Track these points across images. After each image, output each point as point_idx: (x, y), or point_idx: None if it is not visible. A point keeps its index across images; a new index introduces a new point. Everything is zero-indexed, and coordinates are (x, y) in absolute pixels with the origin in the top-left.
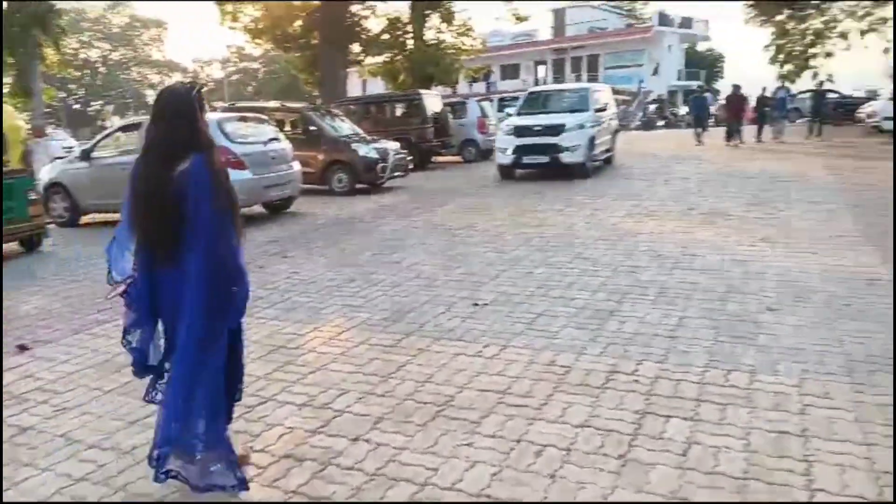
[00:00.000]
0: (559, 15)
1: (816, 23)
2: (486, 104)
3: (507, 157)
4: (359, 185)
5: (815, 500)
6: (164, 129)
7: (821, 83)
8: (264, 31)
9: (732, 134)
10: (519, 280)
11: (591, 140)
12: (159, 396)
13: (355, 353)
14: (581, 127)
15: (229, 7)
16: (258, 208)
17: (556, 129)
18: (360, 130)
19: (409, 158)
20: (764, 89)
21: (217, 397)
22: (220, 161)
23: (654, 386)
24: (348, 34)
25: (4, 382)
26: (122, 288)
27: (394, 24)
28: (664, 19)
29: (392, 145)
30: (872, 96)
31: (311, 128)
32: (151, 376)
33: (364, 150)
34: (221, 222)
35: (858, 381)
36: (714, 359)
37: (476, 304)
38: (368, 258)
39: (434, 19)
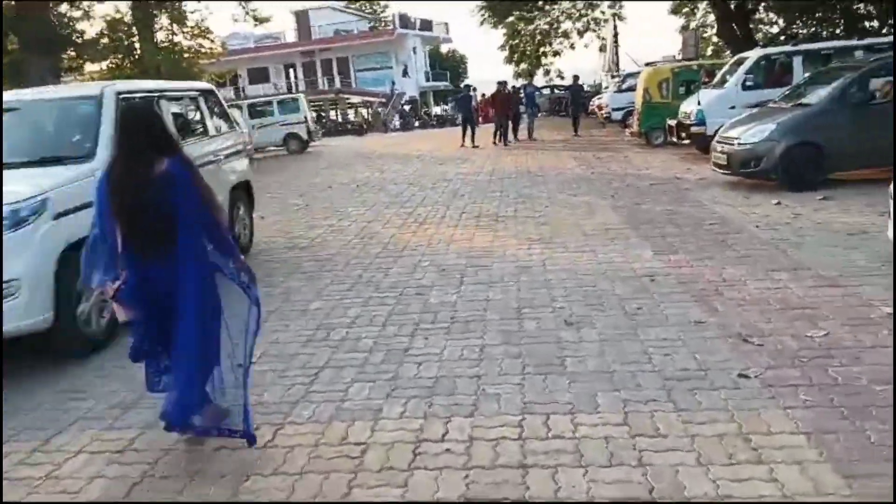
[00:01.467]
0: (302, 17)
1: (542, 24)
2: (234, 111)
3: None
4: None
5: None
6: (136, 137)
7: (576, 77)
8: None
9: (500, 132)
10: (291, 322)
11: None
12: (161, 385)
13: (67, 486)
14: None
15: None
16: None
17: None
18: None
19: None
20: (515, 88)
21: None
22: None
23: (470, 454)
24: (56, 38)
25: None
26: (108, 291)
27: (114, 26)
28: (405, 21)
29: None
30: (598, 90)
31: None
32: (148, 368)
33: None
34: (207, 210)
35: (682, 406)
36: (528, 400)
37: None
38: None
39: (164, 20)
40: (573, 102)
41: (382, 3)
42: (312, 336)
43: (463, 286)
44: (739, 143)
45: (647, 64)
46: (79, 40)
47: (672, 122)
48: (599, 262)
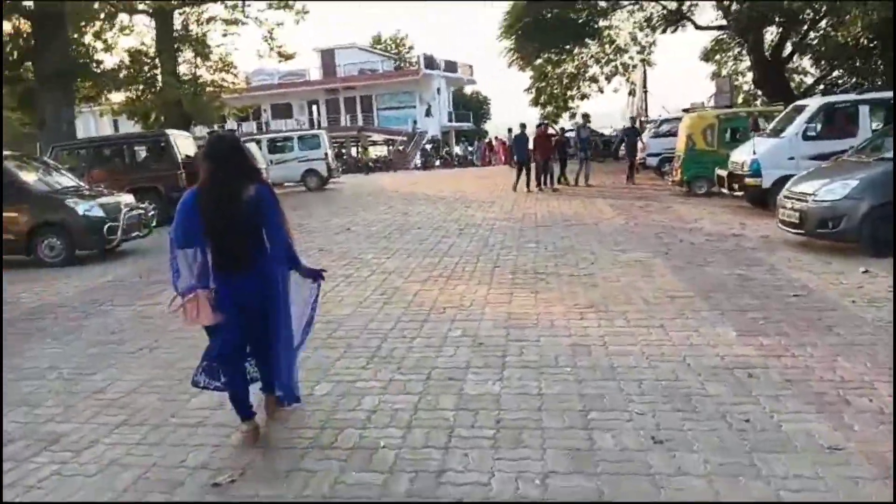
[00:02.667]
0: (327, 55)
1: (570, 67)
2: (251, 146)
3: None
4: (82, 252)
5: None
6: (227, 166)
7: (633, 119)
8: None
9: (544, 175)
10: (290, 414)
11: None
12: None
13: None
14: None
15: None
16: None
17: None
18: (80, 183)
19: (151, 214)
20: (563, 129)
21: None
22: None
23: None
24: (71, 68)
25: None
26: (188, 298)
27: (136, 57)
28: (430, 62)
29: (126, 199)
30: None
31: (8, 180)
32: (232, 372)
33: (84, 208)
34: (285, 230)
35: None
36: None
37: (217, 485)
38: (51, 382)
39: (188, 53)
40: (628, 147)
41: (408, 44)
42: (316, 439)
43: (506, 370)
44: (815, 200)
45: (685, 110)
46: (97, 70)
47: (722, 172)
48: (674, 343)
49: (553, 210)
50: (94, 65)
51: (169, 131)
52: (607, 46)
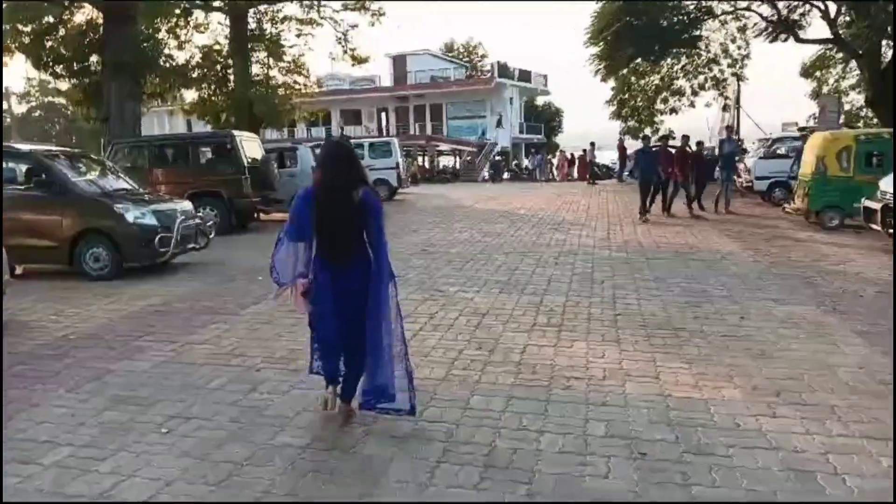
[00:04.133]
0: (399, 62)
1: (655, 79)
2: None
3: None
4: (129, 265)
5: None
6: (341, 169)
7: (805, 129)
8: (23, 50)
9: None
10: None
11: None
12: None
13: None
14: None
15: None
16: None
17: None
18: (134, 185)
19: (210, 223)
20: (699, 143)
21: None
22: None
23: None
24: (143, 61)
25: None
26: (288, 289)
27: (208, 55)
28: (503, 71)
29: (183, 206)
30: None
31: (52, 180)
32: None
33: (134, 215)
34: (385, 232)
35: None
36: None
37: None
38: (44, 471)
39: (260, 54)
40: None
41: (480, 51)
42: None
43: None
44: None
45: (801, 129)
46: (166, 65)
47: (873, 205)
48: None
49: (658, 238)
50: (164, 59)
51: (235, 132)
52: (696, 58)
